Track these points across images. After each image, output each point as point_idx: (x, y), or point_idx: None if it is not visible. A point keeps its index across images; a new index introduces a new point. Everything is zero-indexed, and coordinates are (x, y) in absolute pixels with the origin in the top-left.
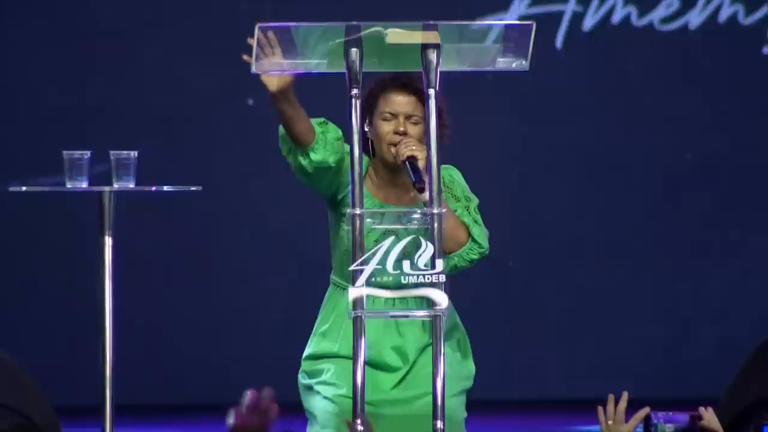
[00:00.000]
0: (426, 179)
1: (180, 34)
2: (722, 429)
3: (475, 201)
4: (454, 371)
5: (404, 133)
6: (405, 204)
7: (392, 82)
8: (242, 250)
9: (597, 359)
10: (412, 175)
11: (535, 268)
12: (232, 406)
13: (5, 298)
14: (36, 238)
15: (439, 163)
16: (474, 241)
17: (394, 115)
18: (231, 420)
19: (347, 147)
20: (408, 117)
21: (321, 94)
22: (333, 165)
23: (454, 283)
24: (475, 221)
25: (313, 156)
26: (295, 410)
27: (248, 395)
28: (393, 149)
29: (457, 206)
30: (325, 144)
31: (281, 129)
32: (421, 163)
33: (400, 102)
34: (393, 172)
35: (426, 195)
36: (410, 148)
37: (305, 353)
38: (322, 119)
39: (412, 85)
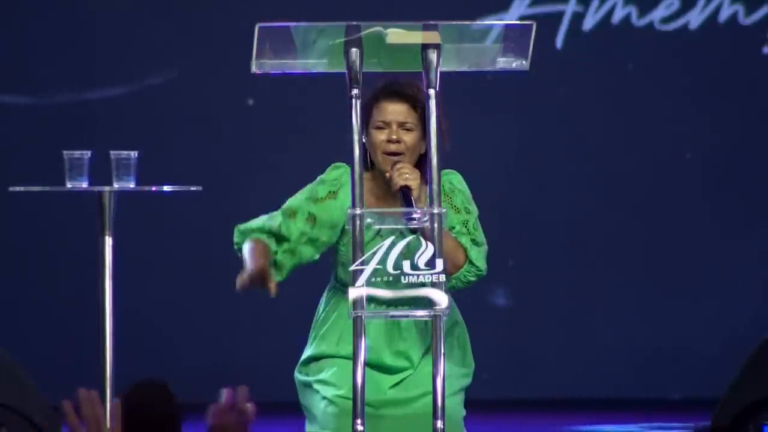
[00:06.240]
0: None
1: (180, 34)
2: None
3: (475, 213)
4: (454, 369)
5: (398, 141)
6: None
7: (384, 91)
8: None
9: (597, 359)
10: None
11: (535, 267)
12: (211, 406)
13: (5, 297)
14: (36, 238)
15: (439, 163)
16: (471, 263)
17: (387, 124)
18: (209, 420)
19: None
20: (401, 125)
21: (321, 94)
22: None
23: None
24: (474, 241)
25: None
26: (294, 410)
27: (225, 394)
28: (389, 172)
29: (455, 219)
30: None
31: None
32: (415, 193)
33: (392, 111)
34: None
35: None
36: (404, 177)
37: (303, 356)
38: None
39: (403, 92)
